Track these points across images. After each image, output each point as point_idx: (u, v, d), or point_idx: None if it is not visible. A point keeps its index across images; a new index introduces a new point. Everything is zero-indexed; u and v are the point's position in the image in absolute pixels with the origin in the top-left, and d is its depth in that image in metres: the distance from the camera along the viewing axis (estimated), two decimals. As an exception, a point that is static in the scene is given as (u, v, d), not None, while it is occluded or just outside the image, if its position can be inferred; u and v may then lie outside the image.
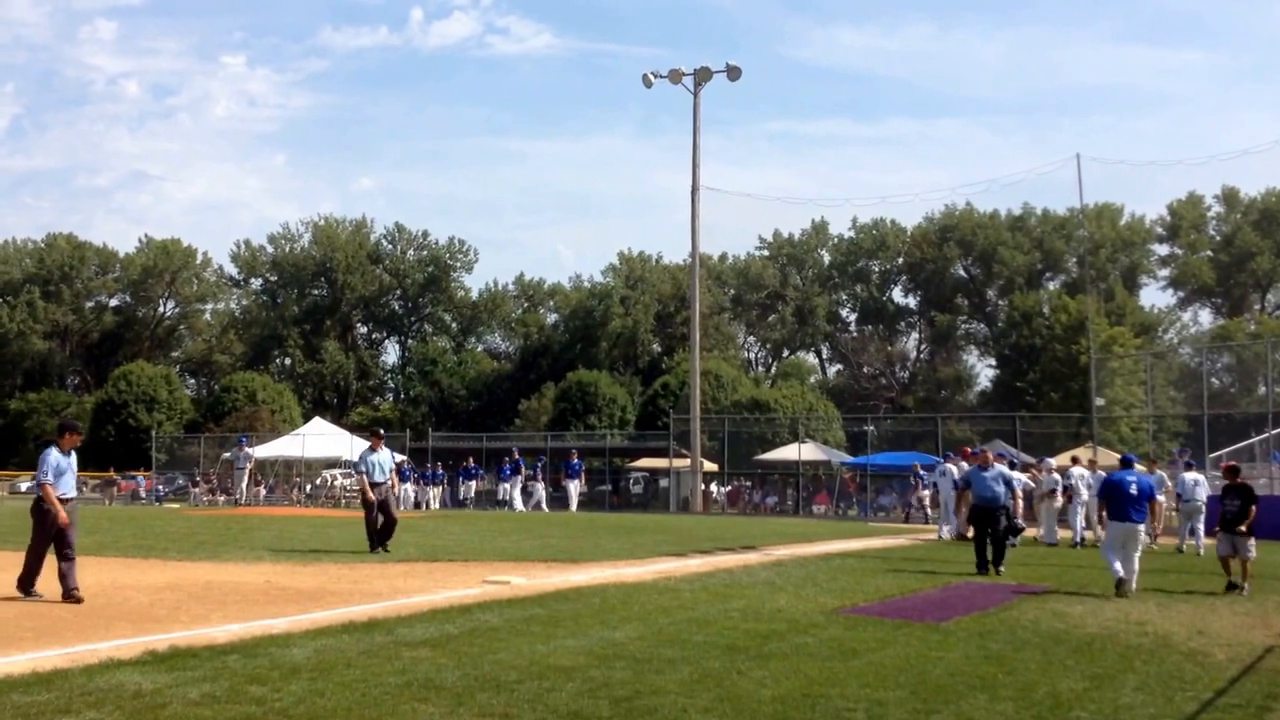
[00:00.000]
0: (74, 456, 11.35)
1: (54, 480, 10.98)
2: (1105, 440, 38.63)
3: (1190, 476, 20.85)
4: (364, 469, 17.03)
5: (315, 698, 6.72)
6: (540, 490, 36.91)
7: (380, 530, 16.67)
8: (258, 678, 7.22)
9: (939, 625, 10.32)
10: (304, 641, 8.62)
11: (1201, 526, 20.50)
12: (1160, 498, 19.75)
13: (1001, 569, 15.05)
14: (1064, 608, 11.84)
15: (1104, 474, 17.62)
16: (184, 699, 6.58)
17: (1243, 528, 13.58)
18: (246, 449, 38.76)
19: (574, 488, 36.83)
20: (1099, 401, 36.53)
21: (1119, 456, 16.24)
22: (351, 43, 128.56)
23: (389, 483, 17.12)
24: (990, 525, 15.30)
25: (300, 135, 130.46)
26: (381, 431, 18.18)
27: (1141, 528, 13.54)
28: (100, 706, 6.37)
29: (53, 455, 11.11)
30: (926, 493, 32.06)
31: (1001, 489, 15.49)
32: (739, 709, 6.67)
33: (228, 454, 42.22)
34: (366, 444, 18.14)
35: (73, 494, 11.30)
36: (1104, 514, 14.04)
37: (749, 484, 44.34)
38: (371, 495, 16.68)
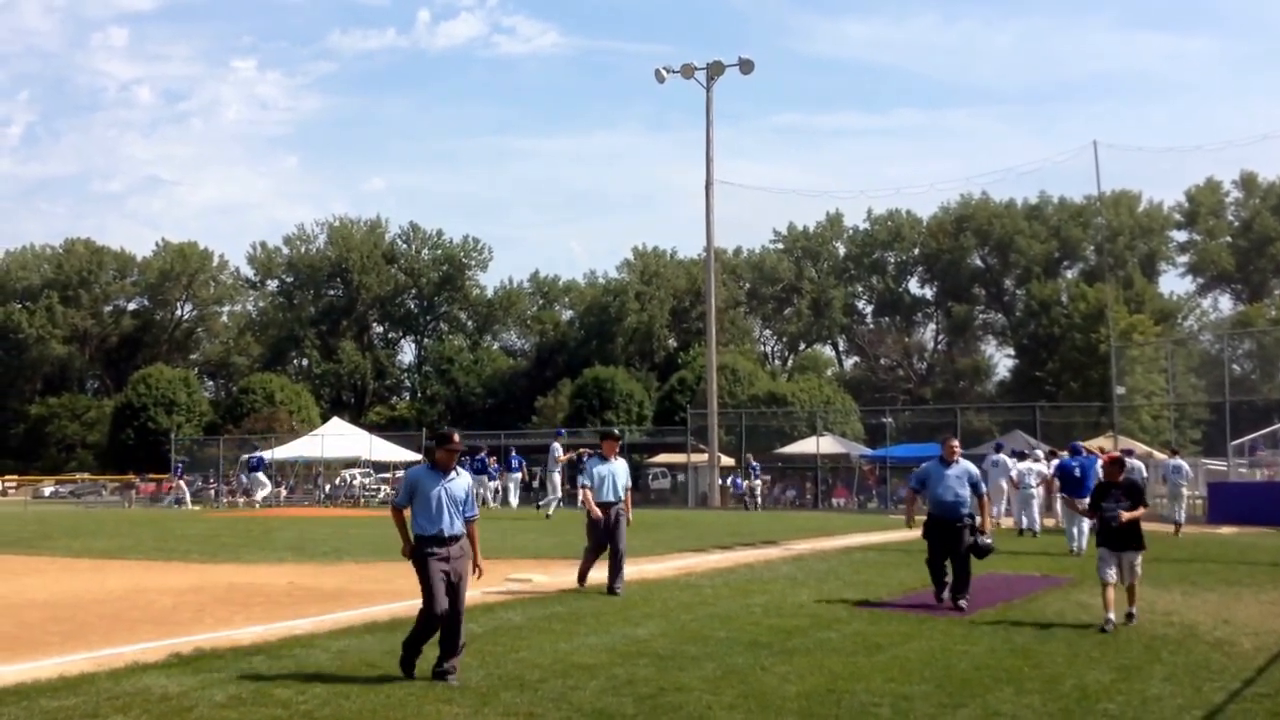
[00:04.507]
0: (457, 478, 7.71)
1: (406, 501, 7.80)
2: (1126, 429, 38.39)
3: (1172, 462, 23.87)
4: (588, 482, 12.36)
5: (340, 699, 6.74)
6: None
7: (610, 564, 12.17)
8: (282, 679, 7.24)
9: (963, 618, 10.27)
10: (328, 643, 8.64)
11: (1182, 512, 23.05)
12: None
13: (964, 600, 10.95)
14: (1088, 599, 11.74)
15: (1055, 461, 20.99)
16: (210, 702, 6.61)
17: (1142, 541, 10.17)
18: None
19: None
20: (1119, 390, 36.28)
21: (1068, 446, 19.90)
22: (359, 45, 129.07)
23: (622, 503, 12.45)
24: (949, 542, 11.16)
25: (311, 137, 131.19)
26: (616, 432, 13.70)
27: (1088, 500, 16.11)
28: (127, 710, 6.40)
29: (411, 473, 8.11)
30: (759, 483, 37.71)
31: (966, 493, 11.25)
32: (764, 705, 6.65)
33: (247, 455, 42.42)
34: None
35: (448, 530, 7.57)
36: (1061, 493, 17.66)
37: (768, 477, 44.26)
38: (597, 512, 12.15)
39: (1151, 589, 12.43)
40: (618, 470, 12.42)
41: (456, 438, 7.90)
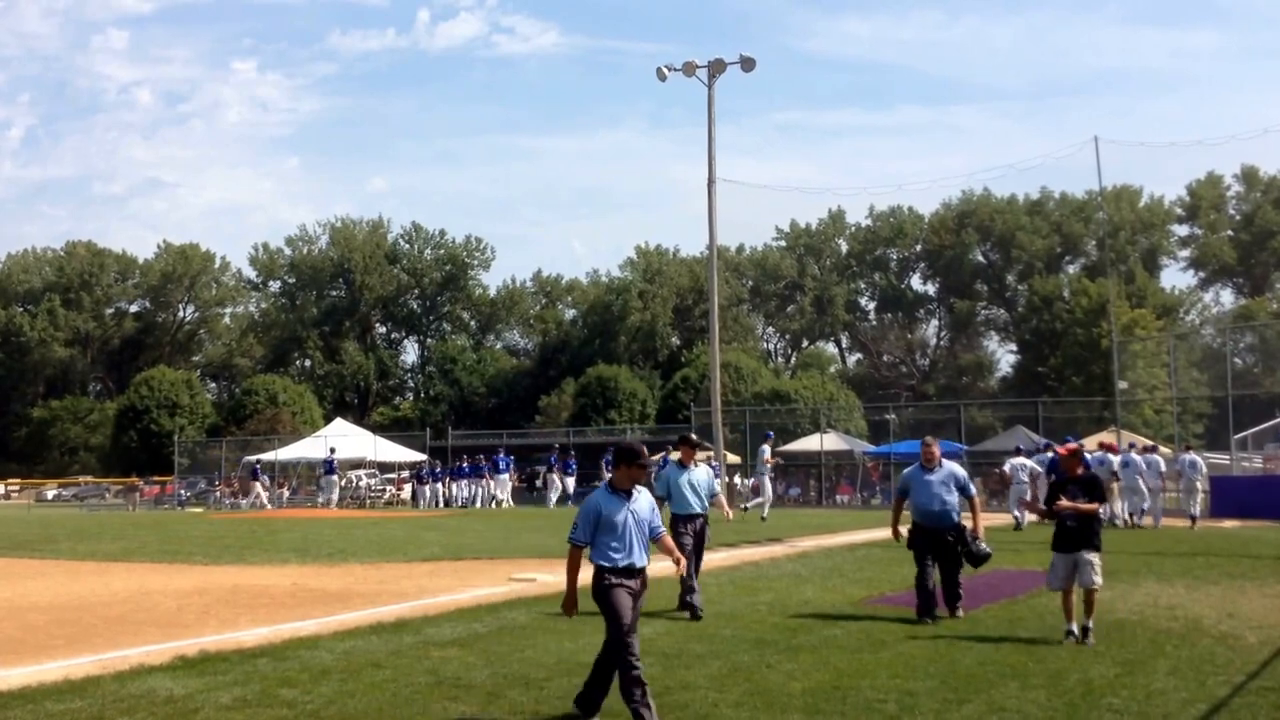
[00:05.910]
0: (639, 498, 6.82)
1: (588, 537, 6.87)
2: (1129, 424, 38.36)
3: (1187, 457, 23.89)
4: (663, 492, 10.74)
5: (346, 699, 6.75)
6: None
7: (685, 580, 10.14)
8: (288, 680, 7.26)
9: (967, 613, 10.26)
10: (333, 643, 8.66)
11: (1197, 506, 23.32)
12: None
13: (959, 612, 10.18)
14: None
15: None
16: (215, 704, 6.62)
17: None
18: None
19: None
20: (1122, 385, 36.18)
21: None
22: (359, 46, 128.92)
23: (706, 514, 11.03)
24: (938, 553, 10.23)
25: (312, 138, 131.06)
26: (694, 438, 11.93)
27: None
28: (133, 713, 6.41)
29: (590, 501, 6.95)
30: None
31: (954, 499, 10.32)
32: (769, 703, 6.66)
33: (252, 457, 42.45)
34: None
35: (638, 561, 6.78)
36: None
37: (772, 475, 44.22)
38: (671, 543, 9.71)
39: (1155, 583, 12.45)
40: (698, 478, 10.87)
41: (645, 454, 6.78)
